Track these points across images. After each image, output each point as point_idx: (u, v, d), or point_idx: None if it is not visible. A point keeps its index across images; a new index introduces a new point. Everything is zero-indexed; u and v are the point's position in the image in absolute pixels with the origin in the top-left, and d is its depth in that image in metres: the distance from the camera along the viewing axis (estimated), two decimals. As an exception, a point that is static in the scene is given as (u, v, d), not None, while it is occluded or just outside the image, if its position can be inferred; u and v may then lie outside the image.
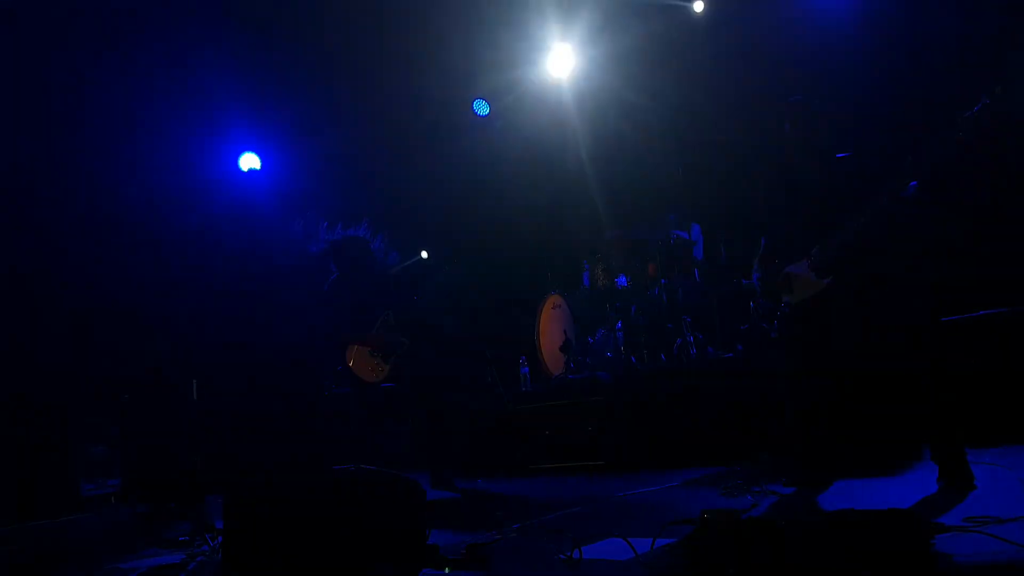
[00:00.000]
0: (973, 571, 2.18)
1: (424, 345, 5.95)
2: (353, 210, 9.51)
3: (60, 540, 5.44)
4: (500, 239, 10.03)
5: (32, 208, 7.09)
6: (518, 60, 9.45)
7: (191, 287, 7.03)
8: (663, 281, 7.13)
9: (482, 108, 10.08)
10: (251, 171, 6.30)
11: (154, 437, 6.16)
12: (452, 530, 3.95)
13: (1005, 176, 5.79)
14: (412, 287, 6.39)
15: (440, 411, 6.99)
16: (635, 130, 6.76)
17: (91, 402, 7.13)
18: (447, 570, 2.54)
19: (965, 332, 4.94)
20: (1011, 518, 2.64)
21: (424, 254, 7.17)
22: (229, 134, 7.49)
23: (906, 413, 4.43)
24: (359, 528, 2.56)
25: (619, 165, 9.51)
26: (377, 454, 7.78)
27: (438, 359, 6.23)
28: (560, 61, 9.39)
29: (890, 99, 6.52)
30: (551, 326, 7.56)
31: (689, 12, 8.41)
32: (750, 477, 4.11)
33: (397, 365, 5.83)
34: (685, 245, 7.31)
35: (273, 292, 8.69)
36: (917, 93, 6.32)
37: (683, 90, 8.68)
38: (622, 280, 7.08)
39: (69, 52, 6.97)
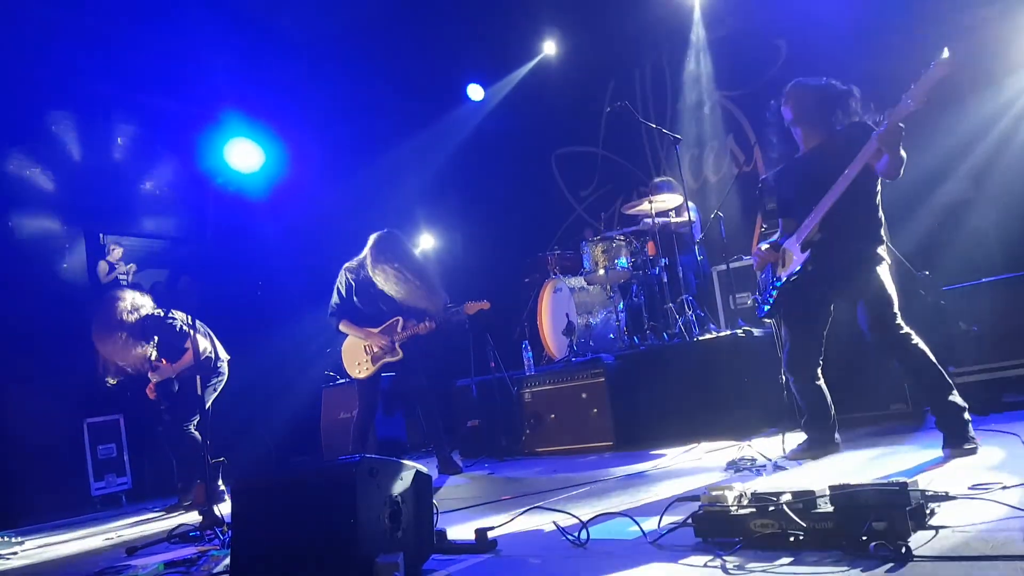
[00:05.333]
0: (977, 537, 2.18)
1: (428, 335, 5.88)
2: (345, 198, 9.54)
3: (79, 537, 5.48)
4: (500, 223, 10.05)
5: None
6: (511, 44, 9.45)
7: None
8: (663, 260, 7.11)
9: (476, 93, 10.06)
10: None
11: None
12: (460, 514, 3.97)
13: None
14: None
15: (448, 397, 7.00)
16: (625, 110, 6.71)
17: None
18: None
19: (967, 299, 4.95)
20: (1016, 483, 2.64)
21: None
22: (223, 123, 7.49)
23: (908, 381, 4.45)
24: (366, 516, 2.57)
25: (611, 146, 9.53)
26: (381, 441, 7.83)
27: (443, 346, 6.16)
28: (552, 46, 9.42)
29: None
30: (553, 309, 7.56)
31: None
32: (754, 452, 4.12)
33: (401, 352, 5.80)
34: (684, 224, 7.29)
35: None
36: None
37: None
38: (622, 261, 7.05)
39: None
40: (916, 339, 3.67)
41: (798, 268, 3.90)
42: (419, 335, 5.80)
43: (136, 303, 6.05)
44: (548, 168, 10.34)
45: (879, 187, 3.81)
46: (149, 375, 6.10)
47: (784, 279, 4.00)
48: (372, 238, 5.91)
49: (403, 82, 9.87)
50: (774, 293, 4.07)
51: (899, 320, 3.69)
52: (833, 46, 6.83)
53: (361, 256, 5.89)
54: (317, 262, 9.03)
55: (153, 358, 6.05)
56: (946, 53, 3.25)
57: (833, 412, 4.08)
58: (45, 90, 7.89)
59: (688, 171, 8.71)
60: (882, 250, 3.79)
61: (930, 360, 3.64)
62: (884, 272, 3.74)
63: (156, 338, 6.03)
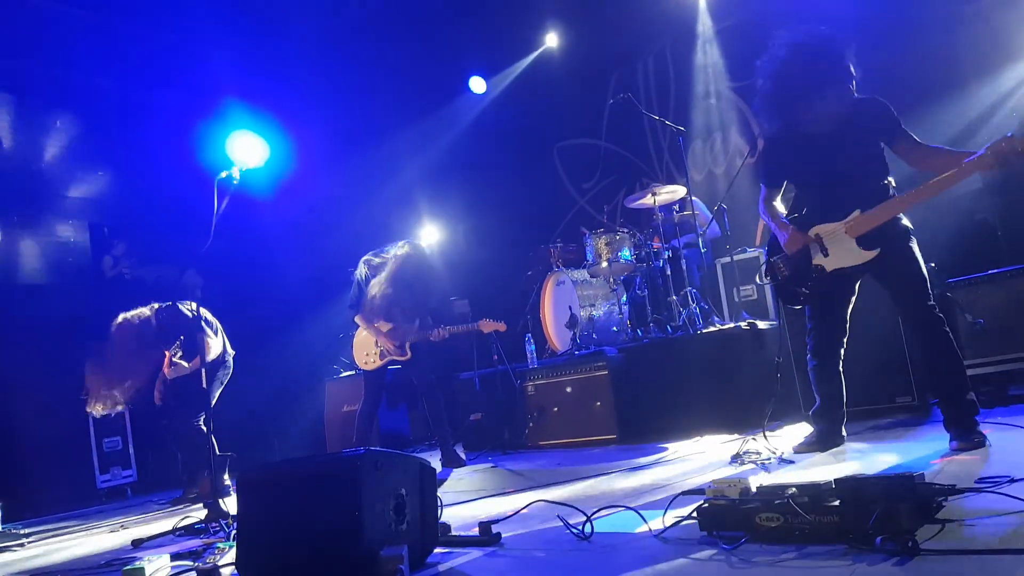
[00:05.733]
0: (984, 531, 2.17)
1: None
2: (348, 191, 9.53)
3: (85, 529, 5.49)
4: (502, 216, 10.02)
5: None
6: (514, 36, 9.42)
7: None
8: (667, 253, 7.10)
9: (478, 86, 10.04)
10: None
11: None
12: (464, 507, 3.97)
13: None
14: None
15: (451, 390, 7.01)
16: (628, 102, 6.69)
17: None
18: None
19: (972, 291, 4.93)
20: None
21: None
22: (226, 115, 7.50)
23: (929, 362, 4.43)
24: (370, 509, 2.57)
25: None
26: (384, 434, 7.83)
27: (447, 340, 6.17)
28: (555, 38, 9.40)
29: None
30: (555, 302, 7.55)
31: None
32: (759, 445, 4.11)
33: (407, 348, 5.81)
34: (688, 217, 7.26)
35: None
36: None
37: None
38: (625, 253, 7.03)
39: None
40: (946, 325, 3.61)
41: (857, 264, 3.72)
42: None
43: (132, 315, 6.03)
44: (551, 160, 10.31)
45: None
46: (165, 371, 6.06)
47: (832, 270, 3.80)
48: (405, 250, 5.82)
49: (405, 74, 9.85)
50: (809, 283, 3.88)
51: (932, 300, 3.62)
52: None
53: (386, 256, 5.87)
54: (320, 255, 9.07)
55: (177, 356, 6.03)
56: None
57: (844, 404, 4.05)
58: (44, 85, 7.91)
59: (691, 163, 8.67)
60: (907, 221, 3.69)
61: (956, 351, 3.60)
62: (916, 248, 3.65)
63: (182, 337, 6.00)
